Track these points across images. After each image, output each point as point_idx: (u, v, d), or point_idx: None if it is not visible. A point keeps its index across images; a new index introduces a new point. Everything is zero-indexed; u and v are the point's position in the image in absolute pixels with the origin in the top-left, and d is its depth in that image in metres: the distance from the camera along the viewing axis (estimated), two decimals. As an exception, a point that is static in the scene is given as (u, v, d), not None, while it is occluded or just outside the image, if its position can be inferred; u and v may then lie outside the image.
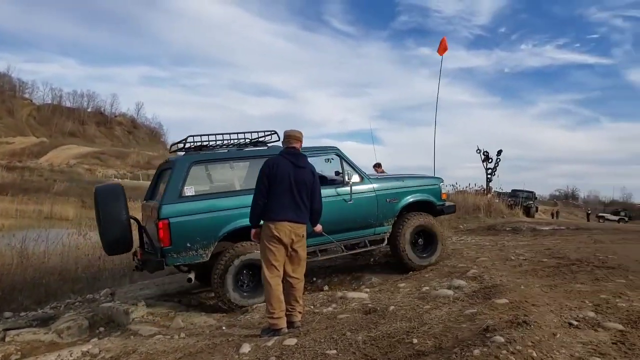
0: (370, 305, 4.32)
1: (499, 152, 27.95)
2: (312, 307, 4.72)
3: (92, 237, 9.06)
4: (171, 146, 6.33)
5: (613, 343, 2.94)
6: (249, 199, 4.32)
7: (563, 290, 4.23)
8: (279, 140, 5.64)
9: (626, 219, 43.69)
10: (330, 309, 4.50)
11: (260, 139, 5.92)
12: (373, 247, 6.30)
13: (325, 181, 5.91)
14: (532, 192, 29.24)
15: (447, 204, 7.05)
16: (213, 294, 5.38)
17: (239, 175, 5.81)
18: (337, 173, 6.31)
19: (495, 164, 28.16)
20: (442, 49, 11.69)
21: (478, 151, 29.64)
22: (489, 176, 28.75)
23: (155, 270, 5.46)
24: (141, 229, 5.69)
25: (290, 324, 3.95)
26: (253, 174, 4.99)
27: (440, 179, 7.16)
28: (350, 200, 5.89)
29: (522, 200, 24.77)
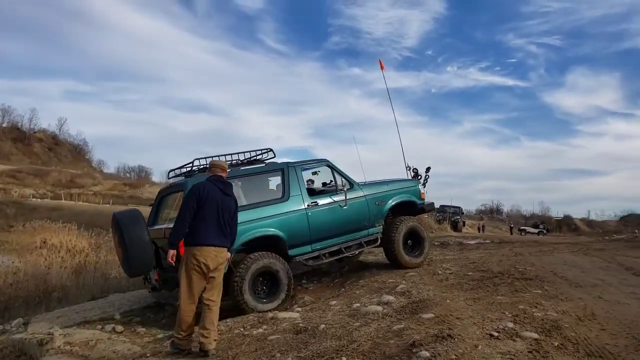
0: (301, 324, 4.27)
1: (428, 169, 29.05)
2: (242, 329, 4.59)
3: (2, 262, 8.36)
4: (171, 171, 6.49)
5: (529, 352, 3.09)
6: (256, 212, 5.66)
7: (485, 303, 4.41)
8: (274, 157, 6.45)
9: (544, 231, 46.85)
10: (260, 330, 4.40)
11: (257, 158, 6.42)
12: (370, 247, 6.83)
13: (320, 191, 6.75)
14: (459, 207, 30.69)
15: (426, 202, 7.72)
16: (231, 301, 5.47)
17: (244, 192, 6.03)
18: (324, 184, 7.01)
19: (425, 180, 29.22)
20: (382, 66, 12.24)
21: (408, 168, 30.74)
22: (419, 193, 29.93)
23: (174, 286, 5.37)
24: (158, 251, 5.69)
25: (204, 352, 3.94)
26: (256, 189, 6.13)
27: (418, 181, 7.78)
28: (345, 206, 6.47)
29: (449, 215, 25.93)
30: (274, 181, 6.64)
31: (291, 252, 6.02)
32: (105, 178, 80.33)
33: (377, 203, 6.88)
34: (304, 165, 6.56)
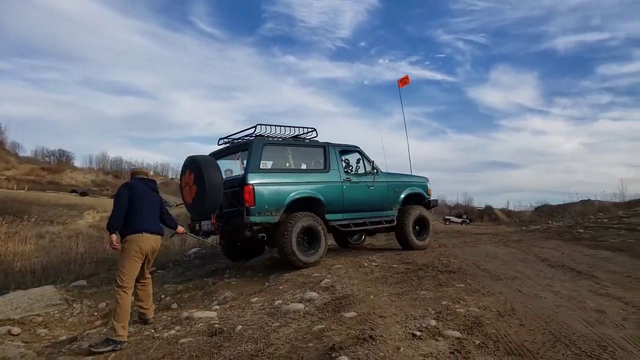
0: (217, 325, 3.95)
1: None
2: (152, 330, 4.20)
3: None
4: (221, 139, 7.47)
5: (451, 352, 2.98)
6: (303, 177, 7.01)
7: (409, 298, 4.31)
8: (317, 136, 7.68)
9: (467, 221, 49.17)
10: (172, 332, 4.03)
11: (301, 135, 7.67)
12: (388, 226, 7.89)
13: (352, 172, 7.87)
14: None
15: (433, 198, 8.93)
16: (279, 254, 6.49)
17: (293, 158, 7.41)
18: (348, 166, 7.97)
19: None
20: (402, 82, 12.09)
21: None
22: (352, 182, 30.12)
23: (238, 226, 6.26)
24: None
25: (145, 321, 4.60)
26: (303, 159, 7.62)
27: (427, 178, 8.98)
28: (372, 187, 7.77)
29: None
30: (317, 155, 7.60)
31: (327, 216, 7.04)
32: (21, 162, 74.45)
33: (395, 190, 8.18)
34: (340, 147, 7.83)
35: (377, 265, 6.32)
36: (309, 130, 7.71)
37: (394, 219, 7.99)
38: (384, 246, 8.93)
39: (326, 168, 7.37)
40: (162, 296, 5.78)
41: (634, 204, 26.76)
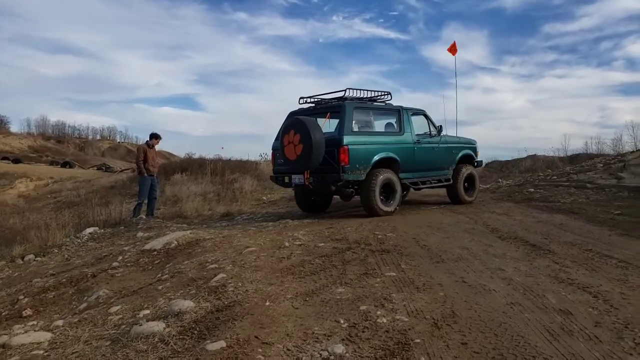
0: None
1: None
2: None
3: None
4: (301, 98, 8.08)
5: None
6: (386, 138, 7.80)
7: (320, 301, 3.23)
8: (391, 99, 8.29)
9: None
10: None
11: (375, 98, 8.14)
12: (446, 184, 8.83)
13: (419, 134, 8.37)
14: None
15: (480, 159, 10.00)
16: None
17: (374, 121, 8.06)
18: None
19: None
20: (453, 49, 11.95)
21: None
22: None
23: (333, 182, 7.09)
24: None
25: None
26: (381, 121, 8.28)
27: (476, 141, 9.88)
28: (437, 148, 8.58)
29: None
30: (392, 118, 8.26)
31: (400, 175, 7.78)
32: (-56, 127, 68.30)
33: (453, 152, 9.02)
34: (411, 110, 8.45)
35: (300, 245, 5.22)
36: (384, 93, 8.22)
37: (450, 177, 8.87)
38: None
39: (401, 131, 8.05)
40: (20, 297, 4.47)
41: (576, 158, 27.19)
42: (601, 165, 15.24)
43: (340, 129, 7.14)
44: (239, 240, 5.64)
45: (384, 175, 7.35)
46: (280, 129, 7.91)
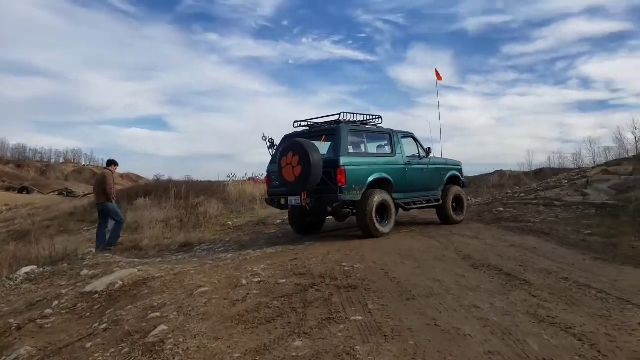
0: None
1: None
2: None
3: None
4: (296, 122, 8.26)
5: None
6: (379, 160, 8.05)
7: None
8: (382, 122, 8.56)
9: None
10: None
11: (366, 121, 8.38)
12: (436, 204, 8.97)
13: (410, 155, 8.61)
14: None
15: (465, 181, 10.29)
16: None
17: (367, 143, 8.30)
18: (379, 147, 8.60)
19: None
20: (438, 76, 12.80)
21: (264, 138, 28.92)
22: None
23: (330, 203, 7.45)
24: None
25: None
26: (374, 143, 8.53)
27: (461, 162, 10.25)
28: (426, 169, 8.79)
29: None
30: (384, 140, 8.51)
31: (393, 195, 7.90)
32: None
33: (441, 172, 9.29)
34: (401, 133, 8.71)
35: (259, 282, 4.77)
36: (375, 117, 8.53)
37: (439, 198, 9.05)
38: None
39: (393, 152, 8.32)
40: None
41: (540, 172, 27.87)
42: (566, 181, 15.35)
43: (336, 150, 7.35)
44: (191, 279, 5.13)
45: (379, 195, 7.51)
46: (276, 152, 8.23)
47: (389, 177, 7.86)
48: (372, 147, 8.50)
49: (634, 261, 5.03)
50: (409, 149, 8.75)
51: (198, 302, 4.13)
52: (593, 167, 17.15)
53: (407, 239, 7.32)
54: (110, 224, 9.01)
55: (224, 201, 16.23)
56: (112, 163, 9.57)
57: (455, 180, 9.63)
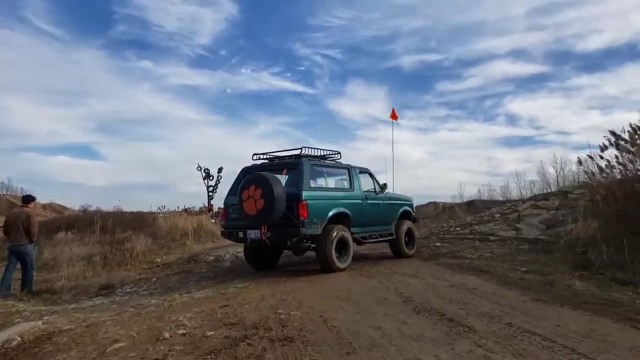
0: None
1: (220, 170, 26.90)
2: None
3: None
4: (255, 154, 8.40)
5: None
6: (338, 194, 8.18)
7: None
8: (340, 157, 8.88)
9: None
10: None
11: (326, 156, 8.62)
12: (390, 238, 9.20)
13: (373, 192, 9.04)
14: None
15: (415, 216, 10.58)
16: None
17: (326, 179, 8.57)
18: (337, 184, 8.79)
19: (217, 181, 26.91)
20: (394, 115, 13.00)
21: (199, 168, 28.04)
22: (210, 194, 27.43)
23: (291, 237, 7.27)
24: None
25: None
26: (333, 179, 8.81)
27: (412, 198, 10.58)
28: (382, 204, 9.08)
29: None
30: (342, 175, 8.71)
31: (351, 229, 8.00)
32: None
33: (395, 208, 9.58)
34: (359, 169, 8.91)
35: (183, 335, 4.26)
36: (334, 152, 8.73)
37: (393, 232, 9.28)
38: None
39: (351, 187, 8.50)
40: None
41: (472, 204, 28.99)
42: (499, 215, 15.86)
43: (298, 184, 7.39)
44: (106, 331, 4.52)
45: (339, 230, 7.59)
46: (235, 184, 8.23)
47: (347, 211, 7.97)
48: (331, 182, 8.65)
49: (572, 302, 5.01)
50: (365, 184, 8.90)
51: (109, 364, 3.56)
52: (523, 202, 17.90)
53: (346, 279, 7.02)
54: (13, 266, 7.96)
55: (152, 236, 15.29)
56: (31, 199, 8.52)
57: (407, 215, 9.87)
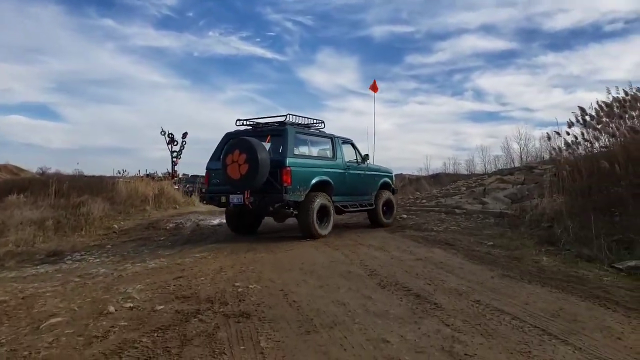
0: None
1: (184, 135, 26.01)
2: None
3: None
4: (238, 120, 8.52)
5: None
6: (321, 162, 8.30)
7: None
8: (324, 127, 9.09)
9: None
10: None
11: (310, 125, 8.79)
12: (369, 208, 9.38)
13: (355, 162, 9.21)
14: (212, 178, 28.36)
15: (395, 188, 10.83)
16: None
17: (310, 147, 8.46)
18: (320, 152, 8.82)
19: (181, 146, 26.10)
20: (374, 87, 12.85)
21: (162, 133, 27.03)
22: (174, 159, 26.60)
23: (274, 202, 7.39)
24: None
25: None
26: (316, 147, 8.68)
27: (392, 170, 10.84)
28: (363, 175, 9.33)
29: (200, 186, 23.42)
30: (325, 145, 8.77)
31: (333, 198, 8.18)
32: None
33: (375, 178, 9.73)
34: (342, 139, 9.06)
35: (130, 309, 3.91)
36: (318, 121, 8.90)
37: (372, 202, 9.44)
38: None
39: (334, 157, 8.65)
40: None
41: (437, 177, 29.37)
42: (465, 189, 15.91)
43: (282, 151, 7.49)
44: (44, 304, 4.12)
45: (321, 198, 7.74)
46: (218, 149, 8.30)
47: (330, 180, 8.14)
48: (314, 151, 8.64)
49: (539, 279, 4.91)
50: (348, 154, 9.04)
51: (42, 342, 3.18)
52: (489, 175, 18.05)
53: (310, 250, 6.77)
54: None
55: (111, 201, 14.63)
56: None
57: (387, 186, 10.10)
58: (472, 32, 59.71)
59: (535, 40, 54.90)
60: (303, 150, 8.23)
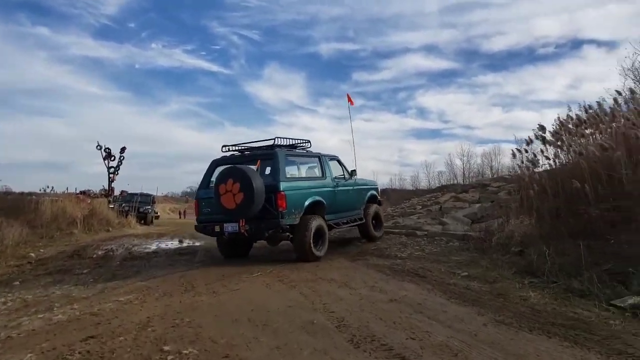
0: None
1: (123, 150, 24.15)
2: None
3: None
4: (224, 146, 8.28)
5: None
6: (312, 183, 8.20)
7: None
8: (311, 146, 8.88)
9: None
10: None
11: (296, 145, 8.67)
12: (359, 223, 9.47)
13: (336, 178, 8.98)
14: (150, 196, 26.49)
15: (380, 200, 10.89)
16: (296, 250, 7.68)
17: (298, 168, 8.58)
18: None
19: (119, 162, 24.15)
20: (350, 100, 12.74)
21: (99, 147, 24.99)
22: (110, 175, 24.59)
23: (269, 228, 7.30)
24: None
25: None
26: (304, 167, 8.75)
27: (376, 182, 11.23)
28: (351, 190, 9.32)
29: (137, 205, 21.62)
30: (314, 164, 8.87)
31: (325, 217, 8.21)
32: None
33: (362, 193, 9.88)
34: (328, 156, 9.14)
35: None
36: (304, 141, 8.72)
37: (362, 216, 9.50)
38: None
39: (323, 175, 8.62)
40: None
41: (384, 192, 29.17)
42: (420, 207, 15.37)
43: (275, 175, 7.43)
44: None
45: (316, 219, 7.73)
46: (206, 176, 8.18)
47: (322, 199, 8.12)
48: (304, 171, 8.68)
49: (538, 325, 4.10)
50: (335, 170, 9.06)
51: None
52: (442, 192, 17.66)
53: (261, 289, 5.69)
54: None
55: (31, 224, 12.87)
56: None
57: (374, 199, 10.18)
58: (416, 51, 61.13)
59: (475, 61, 56.90)
60: (293, 172, 8.28)
